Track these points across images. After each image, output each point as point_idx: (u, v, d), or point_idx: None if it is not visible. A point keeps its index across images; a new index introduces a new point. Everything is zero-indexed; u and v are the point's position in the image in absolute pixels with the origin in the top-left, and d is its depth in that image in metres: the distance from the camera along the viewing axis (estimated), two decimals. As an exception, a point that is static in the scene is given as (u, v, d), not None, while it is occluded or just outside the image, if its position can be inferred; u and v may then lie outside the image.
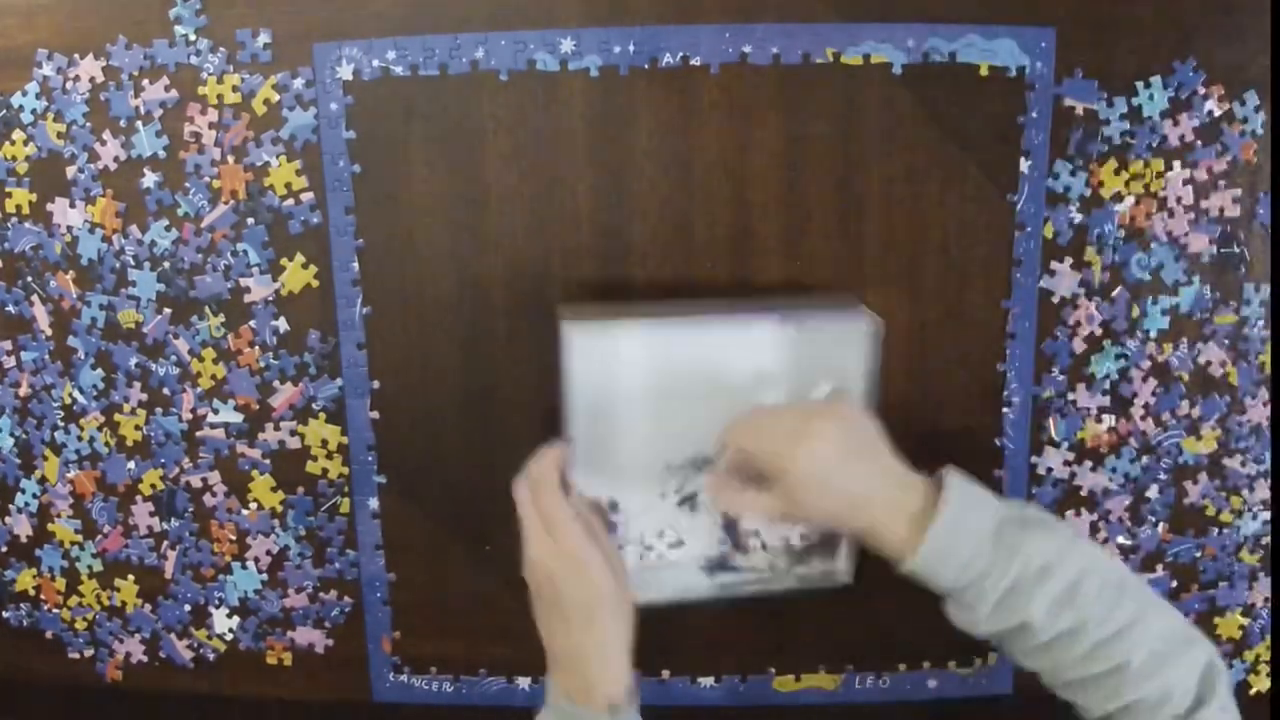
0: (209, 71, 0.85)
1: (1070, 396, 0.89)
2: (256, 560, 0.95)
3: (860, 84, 0.83)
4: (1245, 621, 0.94)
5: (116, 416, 0.92)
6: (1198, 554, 0.92)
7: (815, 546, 0.89)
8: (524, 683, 0.97)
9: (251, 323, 0.90)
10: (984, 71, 0.83)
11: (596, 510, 0.77)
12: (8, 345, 0.92)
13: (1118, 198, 0.85)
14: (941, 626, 0.95)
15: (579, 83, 0.84)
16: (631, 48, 0.83)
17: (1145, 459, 0.90)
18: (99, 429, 0.93)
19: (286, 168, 0.86)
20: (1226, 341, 0.88)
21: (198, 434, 0.92)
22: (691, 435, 0.86)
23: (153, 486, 0.94)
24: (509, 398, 0.89)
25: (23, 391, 0.93)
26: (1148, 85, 0.83)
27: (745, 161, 0.85)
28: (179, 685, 0.99)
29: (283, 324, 0.89)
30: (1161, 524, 0.92)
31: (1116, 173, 0.85)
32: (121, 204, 0.88)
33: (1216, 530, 0.92)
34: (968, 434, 0.89)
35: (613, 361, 0.82)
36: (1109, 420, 0.89)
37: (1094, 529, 0.92)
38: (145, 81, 0.85)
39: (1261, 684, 0.95)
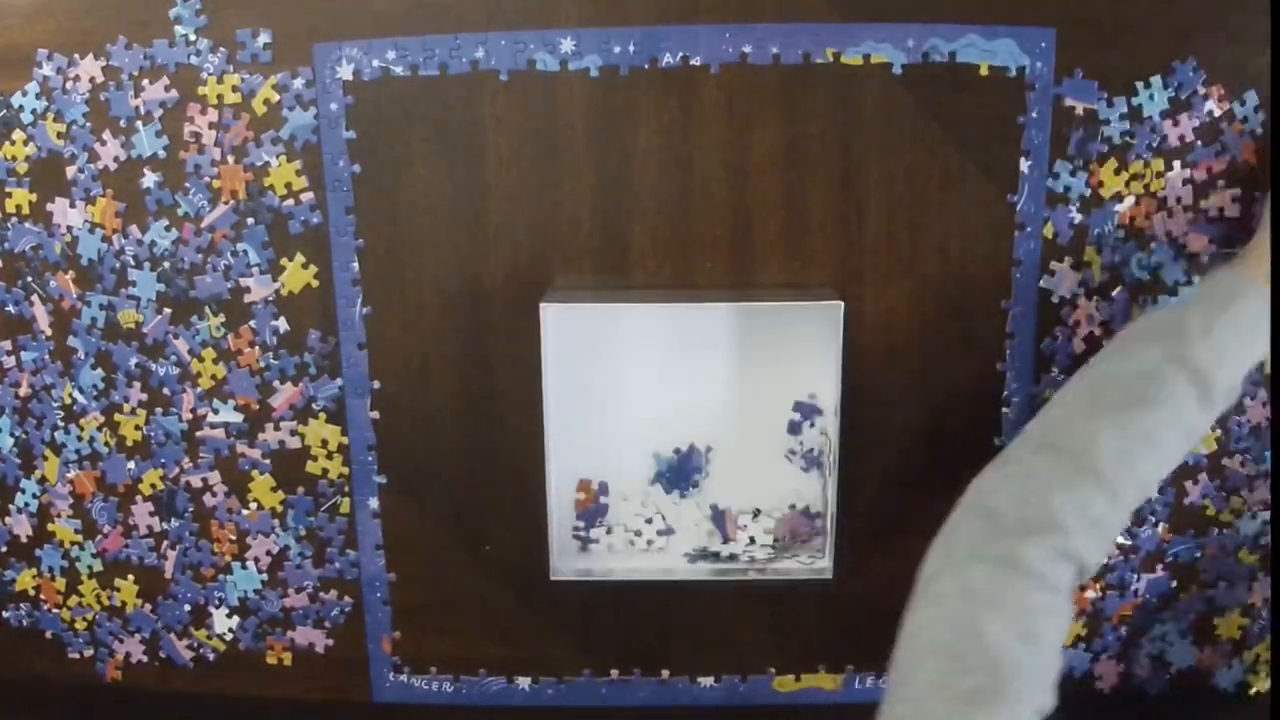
0: (209, 71, 0.85)
1: (1070, 396, 0.89)
2: (256, 560, 0.95)
3: (860, 84, 0.83)
4: (1244, 622, 0.94)
5: (116, 416, 0.92)
6: (1198, 554, 0.92)
7: (798, 541, 0.91)
8: (524, 683, 0.97)
9: (251, 323, 0.90)
10: (984, 71, 0.83)
11: None
12: (8, 345, 0.92)
13: (1118, 198, 0.85)
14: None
15: (579, 83, 0.84)
16: (631, 48, 0.83)
17: (1145, 459, 0.90)
18: (99, 429, 0.93)
19: (286, 168, 0.86)
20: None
21: (198, 434, 0.92)
22: (673, 422, 0.89)
23: (153, 486, 0.94)
24: (509, 398, 0.89)
25: (23, 391, 0.93)
26: (1148, 85, 0.83)
27: (745, 161, 0.85)
28: (179, 685, 0.99)
29: (283, 324, 0.89)
30: (1161, 524, 0.92)
31: (1116, 173, 0.85)
32: (121, 204, 0.88)
33: (1216, 530, 0.92)
34: (968, 434, 0.89)
35: (587, 341, 0.85)
36: (1109, 420, 0.89)
37: (1094, 529, 0.92)
38: (145, 81, 0.85)
39: (1261, 684, 0.95)
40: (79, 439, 0.93)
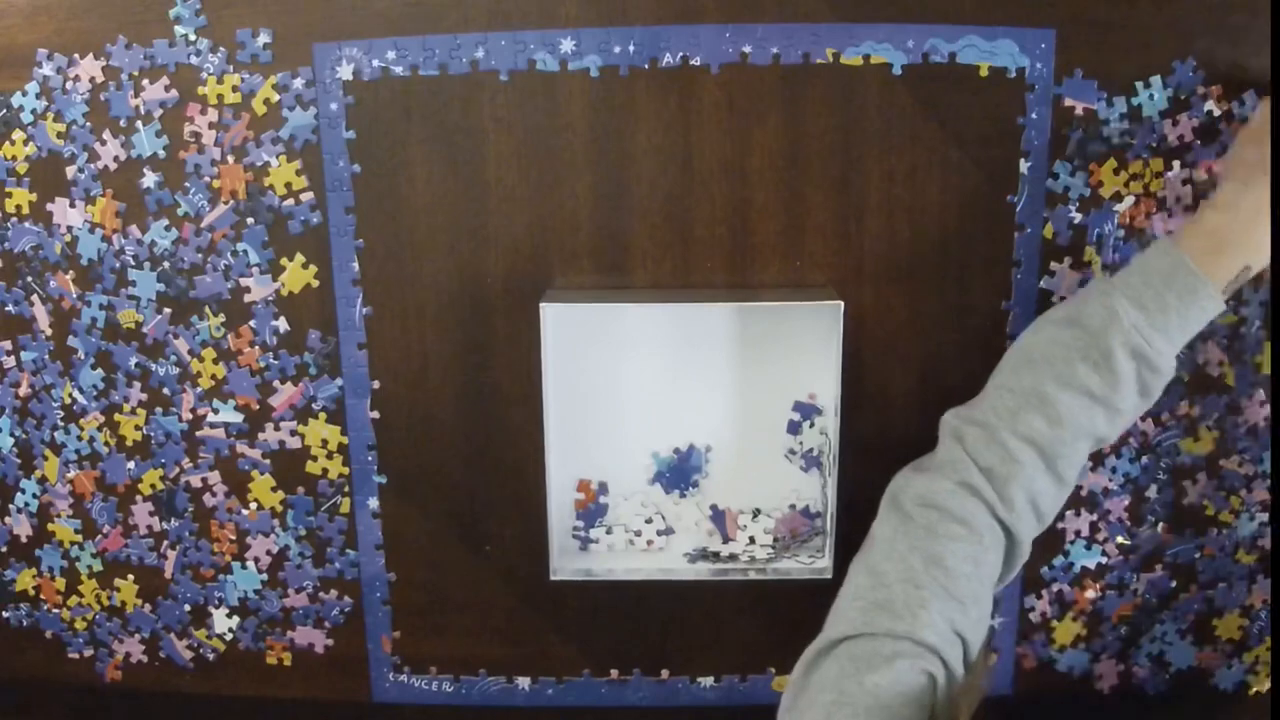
0: (209, 71, 0.85)
1: (1070, 396, 0.89)
2: (256, 560, 0.95)
3: (860, 84, 0.83)
4: (1244, 622, 0.94)
5: (116, 416, 0.92)
6: (1197, 554, 0.93)
7: (798, 542, 0.91)
8: (524, 682, 0.97)
9: (251, 323, 0.90)
10: (984, 72, 0.83)
11: None
12: (8, 345, 0.92)
13: (1117, 198, 0.85)
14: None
15: (579, 83, 0.84)
16: (631, 48, 0.83)
17: (1145, 459, 0.90)
18: (99, 429, 0.93)
19: (286, 168, 0.86)
20: (1225, 341, 0.88)
21: (198, 434, 0.92)
22: (673, 422, 0.89)
23: (153, 486, 0.94)
24: (509, 397, 0.90)
25: (23, 391, 0.93)
26: (1147, 85, 0.83)
27: (745, 161, 0.85)
28: (179, 685, 0.99)
29: (283, 324, 0.89)
30: (1161, 524, 0.92)
31: (1116, 173, 0.85)
32: (121, 204, 0.88)
33: (1216, 530, 0.92)
34: (967, 434, 0.89)
35: (587, 341, 0.85)
36: (1109, 420, 0.89)
37: (1094, 529, 0.92)
38: (145, 81, 0.85)
39: (1261, 684, 0.96)
40: (79, 439, 0.93)
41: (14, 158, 0.87)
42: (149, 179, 0.87)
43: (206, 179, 0.87)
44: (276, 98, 0.85)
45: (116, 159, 0.87)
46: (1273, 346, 0.88)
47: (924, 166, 0.85)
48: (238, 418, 0.92)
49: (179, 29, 0.84)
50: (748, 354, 0.88)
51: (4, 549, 0.97)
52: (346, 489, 0.93)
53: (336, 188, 0.86)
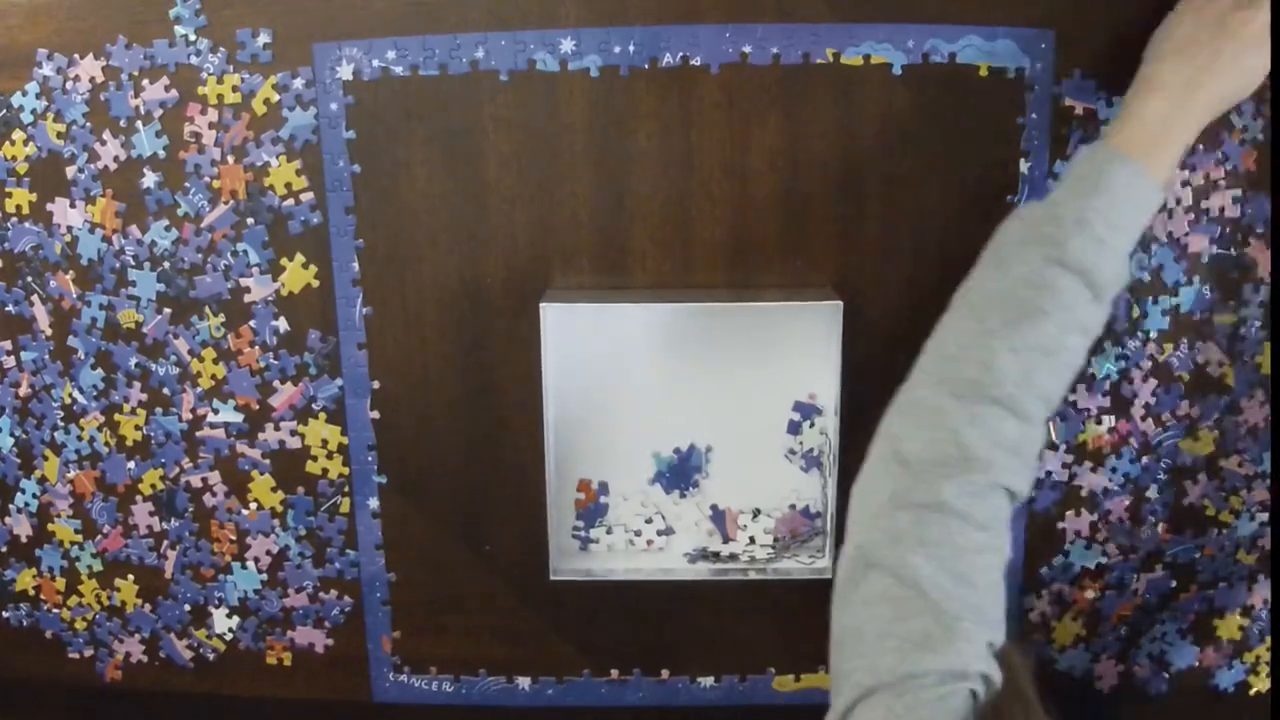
0: (209, 71, 0.85)
1: (1070, 397, 0.89)
2: (256, 560, 0.95)
3: (860, 84, 0.83)
4: (1244, 622, 0.94)
5: (116, 416, 0.92)
6: (1197, 554, 0.93)
7: (798, 542, 0.91)
8: (524, 682, 0.97)
9: (251, 323, 0.90)
10: (984, 72, 0.83)
11: None
12: (8, 345, 0.92)
13: (1118, 198, 0.85)
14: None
15: (579, 83, 0.84)
16: (631, 48, 0.83)
17: (1145, 459, 0.90)
18: (99, 429, 0.93)
19: (286, 168, 0.86)
20: (1225, 342, 0.88)
21: (198, 434, 0.92)
22: (673, 422, 0.89)
23: (153, 486, 0.94)
24: (509, 397, 0.89)
25: (23, 391, 0.93)
26: (1148, 85, 0.83)
27: (745, 161, 0.85)
28: (179, 685, 0.99)
29: (283, 324, 0.89)
30: (1161, 524, 0.92)
31: (1116, 173, 0.85)
32: (121, 204, 0.88)
33: (1216, 530, 0.92)
34: (968, 434, 0.89)
35: (585, 340, 0.85)
36: (1109, 421, 0.89)
37: (1094, 529, 0.92)
38: (145, 81, 0.85)
39: (1261, 684, 0.95)
40: (79, 439, 0.93)
41: (14, 158, 0.87)
42: (149, 179, 0.87)
43: (206, 179, 0.87)
44: (276, 98, 0.85)
45: (116, 159, 0.87)
46: (1273, 346, 0.88)
47: (924, 166, 0.85)
48: (238, 418, 0.92)
49: (179, 29, 0.84)
50: (748, 354, 0.88)
51: (4, 549, 0.97)
52: (346, 489, 0.93)
53: (336, 188, 0.86)
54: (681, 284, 0.87)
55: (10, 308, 0.91)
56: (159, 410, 0.92)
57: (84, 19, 0.84)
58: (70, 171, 0.87)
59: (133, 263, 0.89)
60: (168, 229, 0.88)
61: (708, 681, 0.96)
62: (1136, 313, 0.87)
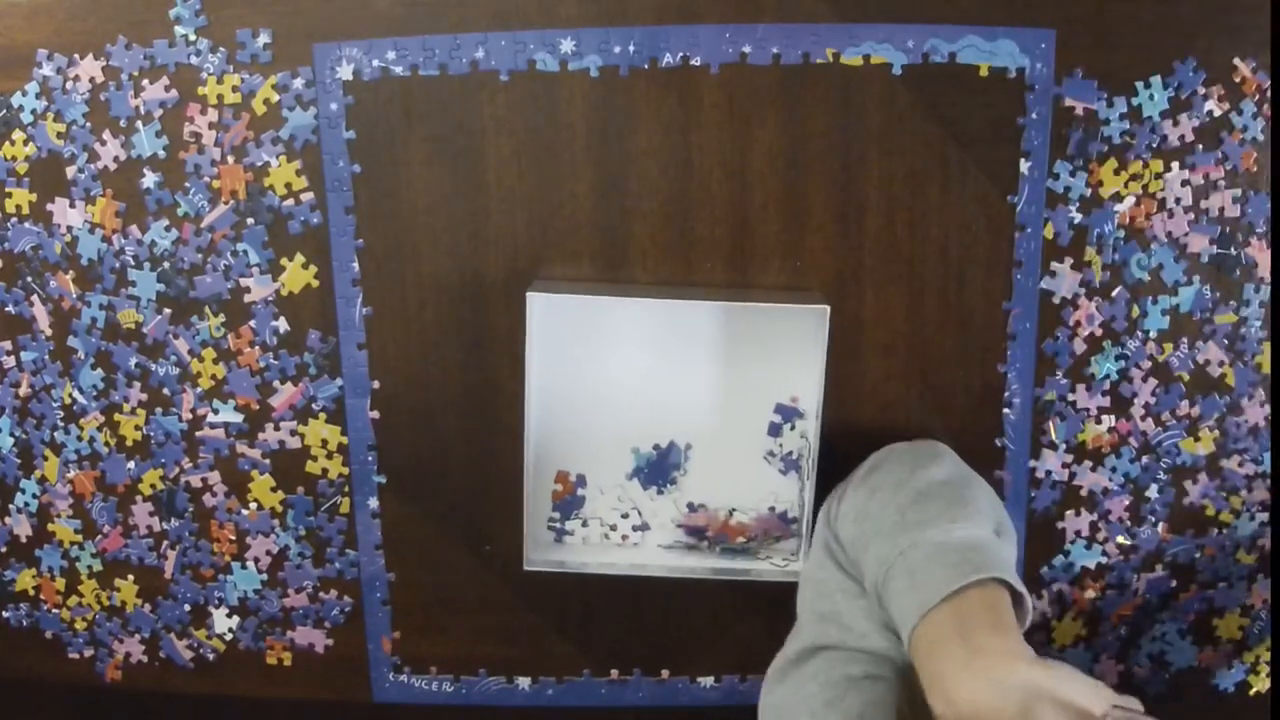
0: (209, 71, 0.85)
1: (1070, 397, 0.89)
2: (256, 560, 0.95)
3: (860, 84, 0.83)
4: (1244, 622, 0.94)
5: (116, 416, 0.92)
6: (1197, 554, 0.93)
7: (771, 541, 0.91)
8: (524, 683, 0.97)
9: (251, 323, 0.90)
10: (984, 72, 0.83)
11: None
12: (8, 345, 0.92)
13: (1117, 198, 0.85)
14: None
15: (579, 83, 0.84)
16: (631, 48, 0.83)
17: (1145, 459, 0.90)
18: (99, 429, 0.93)
19: (286, 168, 0.86)
20: (1225, 341, 0.88)
21: (198, 434, 0.92)
22: (655, 418, 0.89)
23: (153, 486, 0.94)
24: (508, 398, 0.89)
25: (23, 391, 0.93)
26: (1147, 85, 0.83)
27: (745, 161, 0.85)
28: (179, 685, 0.99)
29: (283, 324, 0.89)
30: (1161, 524, 0.92)
31: (1116, 173, 0.85)
32: (121, 204, 0.88)
33: (1216, 530, 0.92)
34: (968, 434, 0.89)
35: (572, 332, 0.85)
36: (1109, 421, 0.89)
37: (1094, 529, 0.92)
38: (145, 81, 0.85)
39: (1261, 684, 0.96)
40: (79, 439, 0.93)
41: (14, 158, 0.87)
42: (149, 179, 0.87)
43: (206, 179, 0.87)
44: (276, 98, 0.85)
45: (116, 159, 0.87)
46: (1273, 346, 0.88)
47: (924, 166, 0.85)
48: (238, 418, 0.92)
49: (179, 29, 0.84)
50: (733, 353, 0.88)
51: (4, 549, 0.97)
52: (346, 489, 0.93)
53: (336, 188, 0.86)
54: (681, 284, 0.87)
55: (10, 308, 0.91)
56: (159, 410, 0.92)
57: (84, 19, 0.84)
58: (70, 171, 0.87)
59: (133, 263, 0.89)
60: (168, 229, 0.88)
61: (708, 681, 0.96)
62: (1136, 312, 0.87)
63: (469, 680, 0.97)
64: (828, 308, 0.82)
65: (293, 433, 0.91)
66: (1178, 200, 0.85)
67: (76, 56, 0.85)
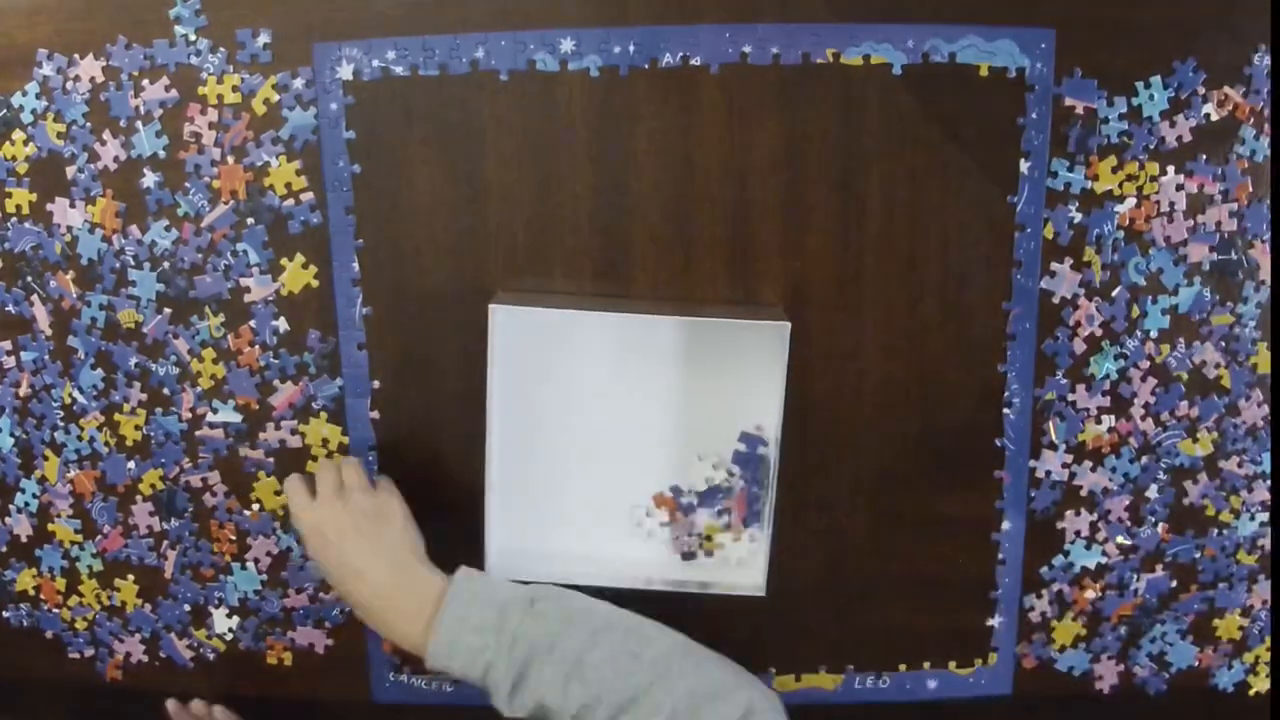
0: (209, 71, 0.85)
1: (1070, 397, 0.89)
2: (257, 561, 0.95)
3: (860, 84, 0.83)
4: (1244, 622, 0.94)
5: (116, 416, 0.92)
6: (1197, 554, 0.93)
7: (729, 562, 0.90)
8: (524, 683, 0.97)
9: (251, 323, 0.90)
10: (984, 72, 0.83)
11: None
12: (8, 345, 0.92)
13: (1117, 198, 0.85)
14: (941, 627, 0.95)
15: (579, 83, 0.84)
16: (631, 48, 0.83)
17: (1145, 459, 0.90)
18: (99, 429, 0.93)
19: (286, 168, 0.86)
20: (1222, 343, 0.88)
21: (198, 434, 0.92)
22: (612, 429, 0.88)
23: (153, 486, 0.94)
24: (509, 398, 0.89)
25: (23, 391, 0.93)
26: (1147, 85, 0.83)
27: (745, 161, 0.85)
28: (179, 685, 0.99)
29: (283, 324, 0.90)
30: (1161, 524, 0.92)
31: (1114, 170, 0.85)
32: (121, 204, 0.88)
33: (1216, 530, 0.92)
34: (968, 435, 0.89)
35: (532, 344, 0.84)
36: (1109, 421, 0.89)
37: (1094, 529, 0.92)
38: (145, 81, 0.85)
39: (1261, 684, 0.96)
40: (79, 439, 0.93)
41: (14, 158, 0.87)
42: (149, 179, 0.87)
43: (206, 179, 0.87)
44: (276, 98, 0.85)
45: (116, 159, 0.87)
46: (1272, 346, 0.88)
47: (924, 166, 0.85)
48: (238, 418, 0.92)
49: (179, 29, 0.84)
50: (695, 372, 0.87)
51: (4, 549, 0.97)
52: (346, 489, 0.93)
53: (336, 188, 0.87)
54: (680, 284, 0.87)
55: (10, 308, 0.91)
56: (159, 410, 0.92)
57: (84, 19, 0.84)
58: (70, 171, 0.87)
59: (133, 263, 0.89)
60: (168, 229, 0.88)
61: (708, 681, 0.96)
62: (1136, 312, 0.87)
63: (469, 680, 0.97)
64: (788, 324, 0.81)
65: (293, 432, 0.92)
66: (1173, 205, 0.85)
67: (76, 56, 0.85)
